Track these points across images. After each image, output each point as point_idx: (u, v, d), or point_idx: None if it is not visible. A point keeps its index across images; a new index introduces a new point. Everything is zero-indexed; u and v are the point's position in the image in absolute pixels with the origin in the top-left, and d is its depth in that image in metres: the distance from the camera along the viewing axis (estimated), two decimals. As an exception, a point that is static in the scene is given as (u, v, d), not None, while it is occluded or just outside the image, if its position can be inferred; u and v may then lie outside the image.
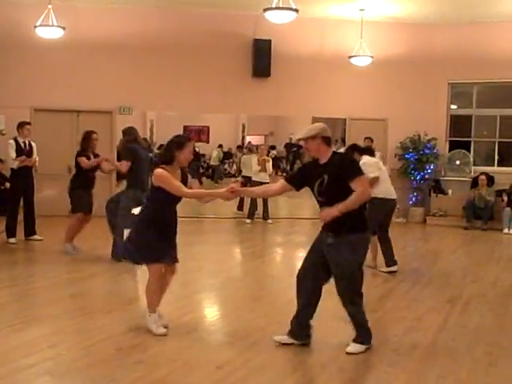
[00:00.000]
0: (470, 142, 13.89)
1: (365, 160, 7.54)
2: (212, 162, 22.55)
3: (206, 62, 12.90)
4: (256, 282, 7.53)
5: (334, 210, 4.48)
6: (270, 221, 12.28)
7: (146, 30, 12.62)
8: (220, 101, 13.12)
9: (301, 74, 13.29)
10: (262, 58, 13.03)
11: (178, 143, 4.93)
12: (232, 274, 7.86)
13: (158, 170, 4.85)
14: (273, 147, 26.00)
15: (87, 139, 8.56)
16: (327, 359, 4.59)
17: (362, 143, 12.54)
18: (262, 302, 6.41)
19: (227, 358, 4.53)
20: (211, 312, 5.97)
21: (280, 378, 4.26)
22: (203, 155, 24.42)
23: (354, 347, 4.69)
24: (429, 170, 13.25)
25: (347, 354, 4.62)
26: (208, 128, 27.06)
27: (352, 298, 4.67)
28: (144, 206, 5.15)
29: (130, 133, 8.09)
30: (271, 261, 9.30)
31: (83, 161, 8.39)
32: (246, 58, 13.09)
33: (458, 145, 13.84)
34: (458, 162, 13.58)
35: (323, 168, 4.60)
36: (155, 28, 12.66)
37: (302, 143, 5.04)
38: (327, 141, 4.64)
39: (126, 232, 7.48)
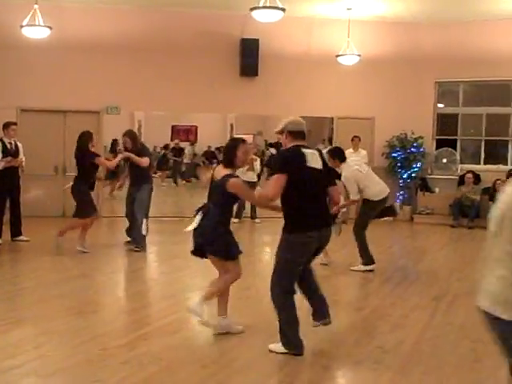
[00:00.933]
0: (456, 140, 13.99)
1: (346, 173, 7.55)
2: (185, 160, 23.05)
3: (193, 62, 12.89)
4: (243, 281, 7.43)
5: None
6: (257, 220, 12.29)
7: (133, 29, 12.59)
8: (208, 100, 13.11)
9: (288, 73, 13.31)
10: (249, 57, 13.03)
11: (231, 146, 5.07)
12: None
13: (235, 180, 4.89)
14: (271, 145, 25.95)
15: (90, 138, 8.63)
16: (312, 357, 4.61)
17: (349, 142, 12.66)
18: (248, 301, 6.41)
19: (213, 357, 4.55)
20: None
21: (265, 376, 4.27)
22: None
23: (276, 346, 4.62)
24: (416, 169, 13.33)
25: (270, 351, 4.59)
26: (196, 128, 27.07)
27: (277, 295, 4.61)
28: (208, 212, 4.99)
29: (136, 136, 9.03)
30: (259, 260, 9.30)
31: (105, 161, 9.06)
32: (234, 58, 13.08)
33: (444, 143, 13.92)
34: (444, 161, 13.67)
35: None
36: (142, 28, 12.63)
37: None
38: (293, 135, 4.59)
39: (145, 222, 8.47)
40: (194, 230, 4.96)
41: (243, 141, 5.19)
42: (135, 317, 5.77)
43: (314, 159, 4.57)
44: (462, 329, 5.48)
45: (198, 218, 4.97)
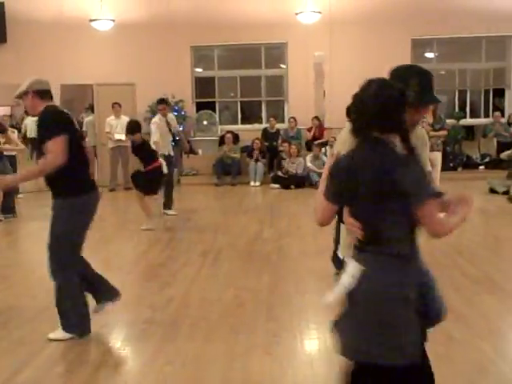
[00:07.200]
0: (215, 102, 14.58)
1: (156, 119, 8.91)
2: None
3: None
4: (4, 258, 7.18)
5: (10, 179, 4.17)
6: (21, 195, 11.66)
7: None
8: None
9: (42, 39, 12.72)
10: (-6, 22, 12.17)
11: None
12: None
13: None
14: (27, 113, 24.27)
15: None
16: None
17: (110, 109, 12.53)
18: (13, 277, 6.15)
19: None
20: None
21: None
22: None
23: (56, 334, 4.28)
24: (179, 132, 13.65)
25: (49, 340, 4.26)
26: None
27: (54, 271, 4.21)
28: None
29: None
30: (25, 236, 8.90)
31: None
32: (-23, 23, 12.11)
33: (204, 106, 14.45)
34: (205, 123, 14.21)
35: None
36: None
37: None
38: (41, 94, 4.17)
39: None
40: None
41: None
42: None
43: (73, 119, 4.29)
44: (226, 279, 5.86)
45: None
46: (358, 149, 2.40)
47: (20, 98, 4.27)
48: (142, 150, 8.22)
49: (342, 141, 2.79)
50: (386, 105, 2.32)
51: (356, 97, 2.41)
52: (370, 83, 2.38)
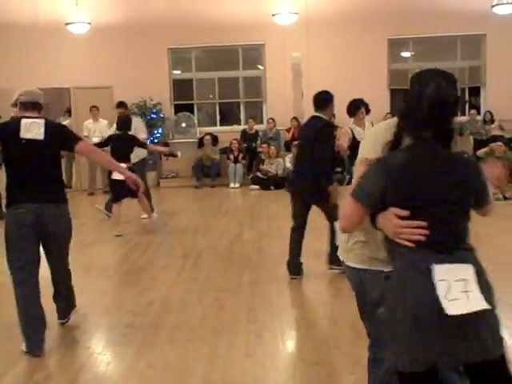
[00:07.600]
0: (193, 104, 14.56)
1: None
2: None
3: None
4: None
5: None
6: None
7: None
8: None
9: (17, 43, 12.60)
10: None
11: None
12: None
13: None
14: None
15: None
16: (62, 330, 4.58)
17: (88, 112, 12.46)
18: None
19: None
20: None
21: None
22: None
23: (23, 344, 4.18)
24: (157, 134, 13.61)
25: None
26: None
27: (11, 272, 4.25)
28: None
29: None
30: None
31: None
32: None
33: (182, 108, 14.40)
34: (183, 125, 14.17)
35: None
36: None
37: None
38: (24, 106, 4.26)
39: None
40: None
41: None
42: None
43: (32, 129, 4.14)
44: (206, 281, 5.85)
45: None
46: (416, 148, 2.26)
47: (14, 106, 4.40)
48: (114, 143, 8.17)
49: (371, 141, 2.60)
50: (443, 107, 2.22)
51: (410, 95, 2.31)
52: (428, 83, 2.27)
